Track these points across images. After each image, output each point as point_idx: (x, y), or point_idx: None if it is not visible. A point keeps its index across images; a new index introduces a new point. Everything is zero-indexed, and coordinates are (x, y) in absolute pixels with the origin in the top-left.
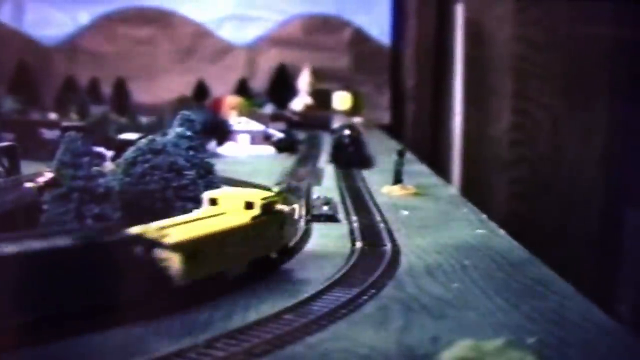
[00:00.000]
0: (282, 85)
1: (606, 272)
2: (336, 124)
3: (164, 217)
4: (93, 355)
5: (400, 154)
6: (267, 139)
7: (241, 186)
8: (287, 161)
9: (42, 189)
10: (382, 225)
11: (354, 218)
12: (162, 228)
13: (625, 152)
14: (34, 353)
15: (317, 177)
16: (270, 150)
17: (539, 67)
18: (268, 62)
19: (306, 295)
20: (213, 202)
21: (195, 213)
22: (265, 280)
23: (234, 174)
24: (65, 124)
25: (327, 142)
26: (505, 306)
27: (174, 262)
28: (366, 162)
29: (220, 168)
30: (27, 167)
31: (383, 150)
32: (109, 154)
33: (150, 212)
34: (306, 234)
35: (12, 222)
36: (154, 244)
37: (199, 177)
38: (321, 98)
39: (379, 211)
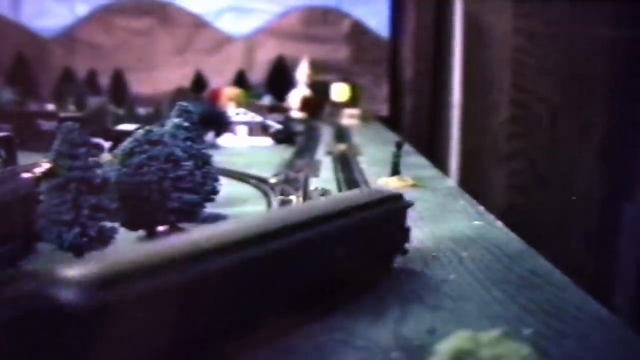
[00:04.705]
0: (280, 76)
1: (603, 265)
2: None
3: (160, 208)
4: None
5: (398, 146)
6: (265, 130)
7: (238, 177)
8: (284, 152)
9: (38, 179)
10: None
11: None
12: None
13: (624, 146)
14: None
15: (314, 168)
16: (268, 141)
17: (537, 60)
18: (266, 53)
19: None
20: None
21: None
22: None
23: (232, 165)
24: (62, 115)
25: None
26: (502, 298)
27: None
28: None
29: (218, 159)
30: (24, 158)
31: (381, 141)
32: (107, 144)
33: (147, 202)
34: None
35: (9, 213)
36: None
37: (196, 168)
38: (319, 90)
39: None
